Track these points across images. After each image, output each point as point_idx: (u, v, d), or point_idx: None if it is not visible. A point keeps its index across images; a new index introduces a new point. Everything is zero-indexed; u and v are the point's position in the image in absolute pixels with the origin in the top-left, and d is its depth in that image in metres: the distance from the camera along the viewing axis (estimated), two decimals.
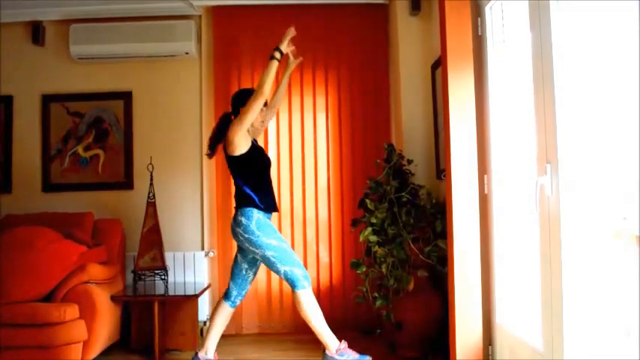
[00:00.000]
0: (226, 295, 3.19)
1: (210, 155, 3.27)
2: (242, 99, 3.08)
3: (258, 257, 3.05)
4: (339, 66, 4.35)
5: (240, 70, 4.33)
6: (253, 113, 2.97)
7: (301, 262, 3.08)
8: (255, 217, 3.00)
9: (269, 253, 2.97)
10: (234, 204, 3.15)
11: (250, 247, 3.01)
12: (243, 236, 3.00)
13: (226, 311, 3.18)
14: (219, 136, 3.16)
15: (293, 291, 3.01)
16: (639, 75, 1.69)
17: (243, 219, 3.00)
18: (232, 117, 3.13)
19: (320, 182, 4.32)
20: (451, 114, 2.86)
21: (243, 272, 3.17)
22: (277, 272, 3.02)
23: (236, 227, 3.03)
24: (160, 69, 4.39)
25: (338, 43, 4.34)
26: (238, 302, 3.19)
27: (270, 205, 3.11)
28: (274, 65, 2.98)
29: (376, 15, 4.32)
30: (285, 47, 3.07)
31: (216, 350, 3.18)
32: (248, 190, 3.04)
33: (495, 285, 2.88)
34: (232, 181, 3.18)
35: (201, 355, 3.14)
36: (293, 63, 3.33)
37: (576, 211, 2.07)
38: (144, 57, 4.28)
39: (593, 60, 2.01)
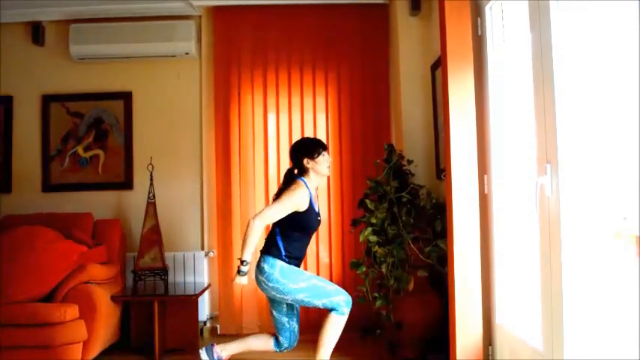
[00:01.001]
0: (277, 343, 3.01)
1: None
2: (297, 152, 2.98)
3: (289, 302, 2.89)
4: (339, 66, 4.35)
5: (240, 70, 4.33)
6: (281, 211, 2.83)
7: (339, 288, 2.92)
8: (279, 265, 2.84)
9: (301, 296, 2.82)
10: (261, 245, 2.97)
11: (278, 295, 2.85)
12: (267, 285, 2.83)
13: (267, 345, 3.02)
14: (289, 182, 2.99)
15: (330, 312, 2.87)
16: (639, 75, 1.69)
17: (265, 266, 2.84)
18: (294, 171, 3.02)
19: (320, 182, 4.31)
20: (451, 114, 2.86)
21: (287, 325, 2.98)
22: (316, 307, 2.88)
23: (259, 275, 2.86)
24: (160, 69, 4.39)
25: (338, 43, 4.34)
26: (284, 349, 3.03)
27: (295, 261, 2.92)
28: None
29: (376, 15, 4.32)
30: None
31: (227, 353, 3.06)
32: (279, 241, 2.88)
33: (495, 285, 2.88)
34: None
35: (218, 347, 3.00)
36: None
37: (576, 211, 2.07)
38: (144, 57, 4.28)
39: (593, 60, 2.01)
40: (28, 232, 3.56)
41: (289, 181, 2.98)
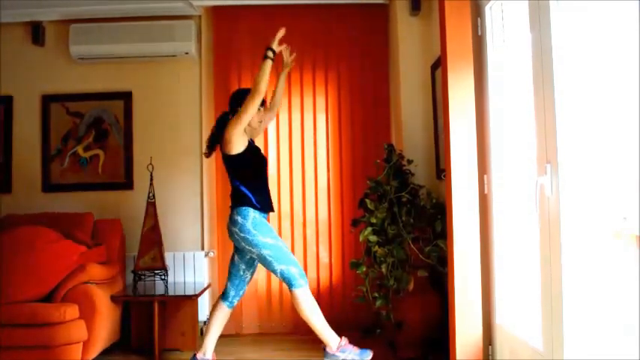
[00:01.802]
0: (224, 296, 3.18)
1: (207, 154, 3.26)
2: (239, 98, 3.08)
3: (254, 256, 3.05)
4: (339, 66, 4.35)
5: (240, 70, 4.33)
6: (250, 113, 2.97)
7: (297, 261, 3.07)
8: (252, 216, 3.00)
9: (265, 252, 2.97)
10: (230, 203, 3.15)
11: (246, 247, 3.00)
12: (239, 235, 3.00)
13: (224, 312, 3.18)
14: (218, 136, 3.16)
15: (290, 290, 3.00)
16: (639, 75, 1.69)
17: (239, 218, 3.00)
18: (230, 116, 3.12)
19: (320, 182, 4.32)
20: (451, 114, 2.86)
21: (241, 272, 3.17)
22: (274, 271, 3.01)
23: (232, 226, 3.03)
24: (160, 69, 4.39)
25: (338, 43, 4.34)
26: (236, 302, 3.20)
27: (266, 205, 3.10)
28: (268, 64, 2.99)
29: (376, 15, 4.32)
30: (277, 46, 3.06)
31: (214, 351, 3.18)
32: (244, 190, 3.04)
33: (495, 285, 2.88)
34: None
35: (199, 355, 3.13)
36: (289, 63, 3.35)
37: (576, 211, 2.07)
38: (144, 57, 4.28)
39: (593, 60, 2.01)
40: (28, 232, 3.56)
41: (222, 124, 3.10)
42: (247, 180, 3.06)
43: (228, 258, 4.16)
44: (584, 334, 2.04)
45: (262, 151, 3.31)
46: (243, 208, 3.01)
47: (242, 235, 2.99)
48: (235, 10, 4.33)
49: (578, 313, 2.06)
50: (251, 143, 3.16)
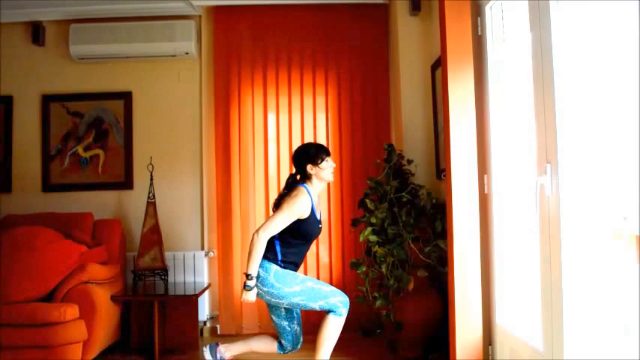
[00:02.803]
0: (280, 346, 3.01)
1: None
2: (302, 158, 2.92)
3: (285, 306, 2.87)
4: (339, 66, 4.35)
5: (240, 70, 4.33)
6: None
7: (335, 289, 2.90)
8: (274, 269, 2.81)
9: (296, 300, 2.80)
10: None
11: (273, 300, 2.82)
12: (262, 289, 2.79)
13: (272, 348, 3.02)
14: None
15: (327, 314, 2.85)
16: (639, 75, 1.69)
17: (260, 270, 2.79)
18: (297, 177, 2.98)
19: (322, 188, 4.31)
20: (451, 114, 2.86)
21: (288, 329, 2.97)
22: (313, 309, 2.85)
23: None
24: (160, 69, 4.39)
25: (338, 43, 4.34)
26: (289, 351, 3.03)
27: (292, 266, 2.90)
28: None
29: (376, 15, 4.32)
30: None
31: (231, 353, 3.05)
32: (277, 246, 2.85)
33: (495, 285, 2.88)
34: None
35: (222, 347, 3.00)
36: None
37: (576, 211, 2.07)
38: (144, 57, 4.28)
39: (593, 60, 2.01)
40: (28, 232, 3.56)
41: (291, 187, 2.93)
42: (287, 240, 2.86)
43: (228, 258, 4.20)
44: (584, 334, 2.05)
45: (320, 219, 3.00)
46: (267, 261, 2.82)
47: (265, 289, 2.79)
48: (235, 10, 4.33)
49: (578, 313, 2.06)
50: (313, 210, 2.89)
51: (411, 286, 3.33)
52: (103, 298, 3.46)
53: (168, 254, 4.10)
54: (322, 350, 2.85)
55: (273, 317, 2.98)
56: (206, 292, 4.10)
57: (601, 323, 1.99)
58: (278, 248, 2.85)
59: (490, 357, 2.90)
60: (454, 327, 2.83)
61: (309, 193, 2.88)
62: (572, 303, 2.07)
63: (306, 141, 4.29)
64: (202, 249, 4.32)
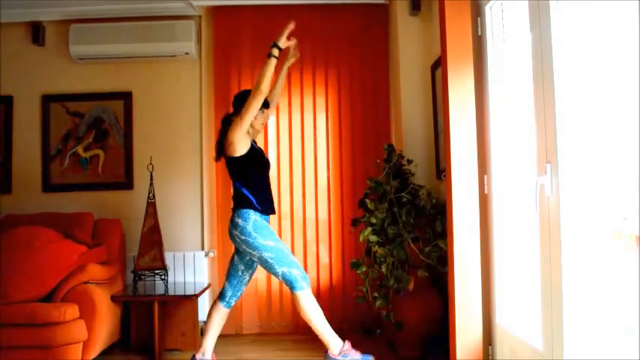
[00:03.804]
0: (221, 296, 3.17)
1: (217, 159, 3.18)
2: (243, 99, 3.03)
3: (255, 259, 3.03)
4: (339, 66, 4.35)
5: (240, 70, 4.33)
6: (251, 113, 2.94)
7: (299, 263, 3.05)
8: (252, 218, 2.98)
9: (266, 255, 2.95)
10: (231, 205, 3.13)
11: (247, 249, 2.99)
12: (239, 238, 2.98)
13: (222, 312, 3.17)
14: (224, 138, 3.12)
15: (292, 292, 2.98)
16: (639, 75, 1.69)
17: (239, 220, 2.98)
18: (233, 118, 3.09)
19: (320, 182, 4.32)
20: (451, 114, 2.86)
21: (239, 273, 3.16)
22: (275, 274, 2.99)
23: (232, 229, 3.01)
24: (160, 69, 4.39)
25: (338, 43, 4.34)
26: (233, 303, 3.18)
27: (268, 207, 3.09)
28: (272, 63, 2.90)
29: (376, 15, 4.32)
30: (284, 43, 2.98)
31: (214, 351, 3.18)
32: (246, 192, 3.02)
33: (495, 285, 2.88)
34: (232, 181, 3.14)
35: (198, 356, 3.13)
36: (292, 57, 3.27)
37: (576, 211, 2.07)
38: (144, 57, 4.28)
39: (593, 60, 2.01)
40: (28, 232, 3.56)
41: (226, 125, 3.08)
42: (249, 182, 3.04)
43: (228, 258, 4.16)
44: (584, 334, 2.04)
45: (265, 153, 3.29)
46: (244, 210, 2.99)
47: (242, 237, 2.97)
48: (235, 10, 4.33)
49: (578, 313, 2.06)
50: (254, 145, 3.14)
51: (411, 286, 3.33)
52: (103, 298, 3.46)
53: (168, 254, 4.10)
54: (317, 327, 2.98)
55: (236, 257, 3.15)
56: (206, 292, 4.10)
57: (601, 323, 1.98)
58: (248, 194, 3.01)
59: (490, 357, 2.90)
60: (454, 327, 2.83)
61: None
62: (572, 303, 2.07)
63: (306, 141, 4.31)
64: (202, 249, 4.32)
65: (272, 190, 3.21)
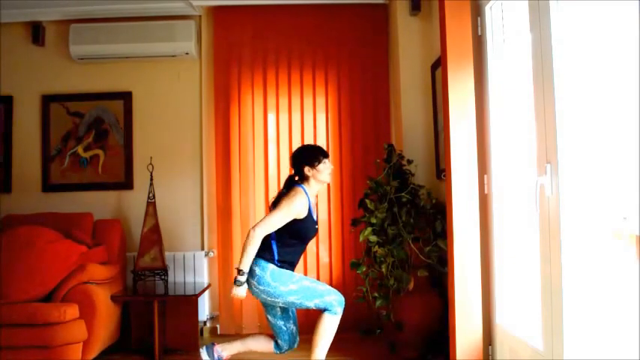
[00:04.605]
0: (277, 345, 3.02)
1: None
2: (298, 160, 2.97)
3: (281, 305, 2.88)
4: (339, 66, 4.35)
5: (240, 70, 4.32)
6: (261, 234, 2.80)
7: (331, 288, 2.91)
8: (270, 268, 2.83)
9: (291, 299, 2.81)
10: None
11: (268, 299, 2.84)
12: (257, 288, 2.82)
13: (268, 347, 3.04)
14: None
15: (323, 312, 2.86)
16: (639, 75, 1.69)
17: (257, 269, 2.81)
18: (296, 177, 3.00)
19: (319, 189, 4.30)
20: (451, 114, 2.86)
21: (284, 329, 2.98)
22: (308, 308, 2.87)
23: (250, 279, 2.84)
24: (160, 69, 4.39)
25: (338, 43, 4.34)
26: (285, 350, 3.04)
27: (288, 266, 2.91)
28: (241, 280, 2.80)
29: (376, 15, 4.32)
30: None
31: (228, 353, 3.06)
32: (273, 245, 2.87)
33: (495, 285, 2.88)
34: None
35: (218, 346, 3.01)
36: None
37: (576, 211, 2.07)
38: (144, 57, 4.28)
39: (593, 60, 2.01)
40: (28, 232, 3.56)
41: (289, 187, 2.96)
42: (283, 240, 2.87)
43: (228, 258, 4.20)
44: (584, 334, 2.04)
45: (316, 219, 3.05)
46: (263, 260, 2.83)
47: (261, 287, 2.81)
48: (235, 10, 4.32)
49: (578, 313, 2.06)
50: (311, 212, 2.92)
51: (411, 286, 3.34)
52: (103, 298, 3.46)
53: (168, 254, 4.10)
54: (318, 349, 2.86)
55: (269, 317, 2.99)
56: (206, 292, 4.10)
57: (601, 323, 1.98)
58: (275, 248, 2.87)
59: (490, 357, 2.90)
60: (454, 327, 2.83)
61: (306, 194, 2.90)
62: (572, 303, 2.07)
63: (306, 141, 4.30)
64: (202, 249, 4.31)
65: (303, 255, 3.03)
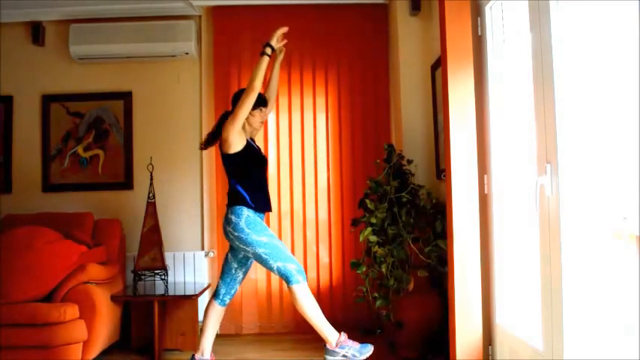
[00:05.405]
0: (215, 294, 3.18)
1: (202, 147, 3.27)
2: (240, 98, 3.06)
3: (249, 255, 3.03)
4: (339, 66, 4.35)
5: (240, 70, 4.32)
6: (245, 110, 2.95)
7: (294, 257, 3.04)
8: (245, 214, 2.98)
9: (260, 250, 2.95)
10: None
11: (241, 245, 2.99)
12: (232, 234, 2.99)
13: (217, 310, 3.17)
14: (217, 134, 3.15)
15: (288, 286, 2.98)
16: (639, 75, 1.69)
17: (232, 217, 2.99)
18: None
19: (320, 182, 4.32)
20: (451, 114, 2.86)
21: (233, 271, 3.16)
22: (270, 269, 3.00)
23: (226, 225, 3.02)
24: (160, 69, 4.39)
25: (338, 43, 4.34)
26: (228, 300, 3.18)
27: (262, 205, 3.09)
28: (265, 61, 2.97)
29: (376, 15, 4.32)
30: (276, 43, 3.05)
31: (212, 351, 3.17)
32: (240, 189, 3.03)
33: (495, 285, 2.88)
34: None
35: (197, 356, 3.14)
36: (280, 53, 3.30)
37: (576, 211, 2.07)
38: (144, 57, 4.28)
39: (593, 60, 2.01)
40: (28, 232, 3.56)
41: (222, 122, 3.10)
42: (244, 179, 3.05)
43: None
44: (584, 334, 2.04)
45: (262, 151, 3.28)
46: (237, 207, 3.00)
47: (235, 234, 2.97)
48: (235, 10, 4.33)
49: (578, 313, 2.06)
50: (250, 142, 3.14)
51: (411, 286, 3.34)
52: (102, 298, 3.46)
53: (168, 254, 4.09)
54: (313, 322, 2.97)
55: (229, 255, 3.16)
56: (206, 292, 4.09)
57: (601, 323, 1.98)
58: (242, 190, 3.02)
59: (490, 357, 2.90)
60: (454, 327, 2.83)
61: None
62: (572, 303, 2.07)
63: (306, 141, 4.31)
64: (202, 249, 4.32)
65: (268, 188, 3.22)
